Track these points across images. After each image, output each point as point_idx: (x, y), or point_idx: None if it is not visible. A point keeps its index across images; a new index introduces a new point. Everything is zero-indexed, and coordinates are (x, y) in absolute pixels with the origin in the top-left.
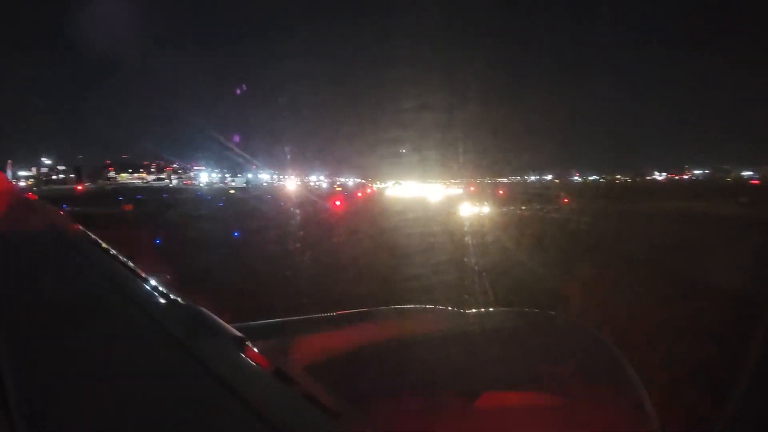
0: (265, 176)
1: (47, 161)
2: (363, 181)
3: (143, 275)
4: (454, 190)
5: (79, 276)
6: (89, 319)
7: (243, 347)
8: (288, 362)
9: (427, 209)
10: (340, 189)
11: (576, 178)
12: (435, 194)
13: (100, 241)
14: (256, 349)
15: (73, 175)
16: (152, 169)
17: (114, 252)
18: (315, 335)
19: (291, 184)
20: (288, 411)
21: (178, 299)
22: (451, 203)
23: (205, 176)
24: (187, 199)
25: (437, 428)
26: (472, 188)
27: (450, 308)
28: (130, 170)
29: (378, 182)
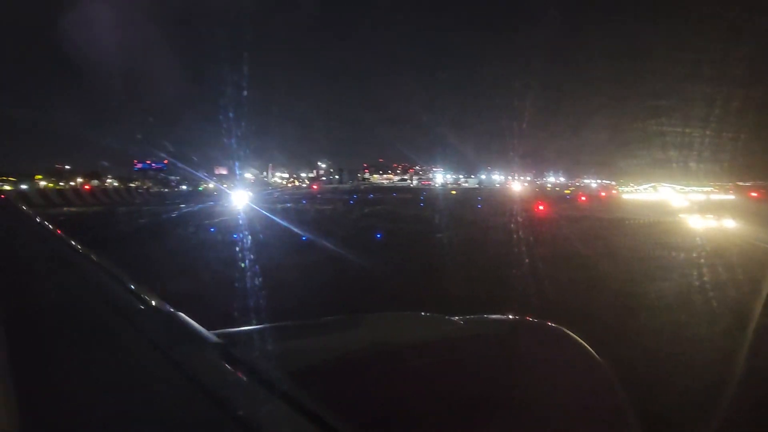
0: (497, 177)
1: (322, 164)
2: (609, 183)
3: (123, 281)
4: (724, 196)
5: (59, 282)
6: (66, 326)
7: (223, 354)
8: (269, 369)
9: (641, 218)
10: (569, 192)
11: None
12: (682, 200)
13: (80, 248)
14: (236, 356)
15: (337, 176)
16: (398, 171)
17: (95, 258)
18: (297, 342)
19: (517, 185)
20: (271, 419)
21: (158, 305)
22: (686, 213)
23: (440, 177)
24: (402, 199)
25: None
26: (753, 194)
27: (435, 314)
28: (380, 171)
29: (631, 185)
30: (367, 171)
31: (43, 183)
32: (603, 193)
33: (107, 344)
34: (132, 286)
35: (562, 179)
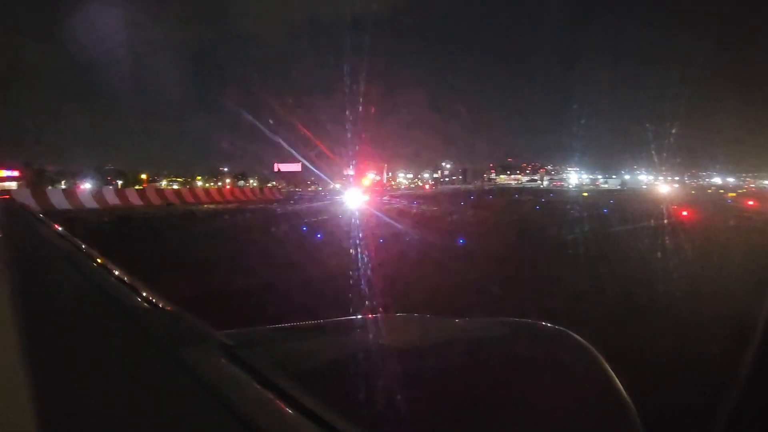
0: (644, 177)
1: (447, 165)
2: None
3: (130, 282)
4: None
5: (65, 282)
6: (74, 326)
7: (231, 355)
8: (276, 371)
9: None
10: (733, 195)
11: None
12: None
13: (89, 249)
14: (244, 358)
15: (460, 177)
16: (527, 171)
17: (102, 259)
18: (304, 343)
19: (664, 187)
20: (277, 421)
21: (164, 305)
22: None
23: (574, 177)
24: (520, 201)
25: None
26: None
27: (436, 316)
28: (508, 172)
29: None
30: (493, 171)
31: (199, 183)
32: None
33: (113, 344)
34: (138, 287)
35: (730, 180)
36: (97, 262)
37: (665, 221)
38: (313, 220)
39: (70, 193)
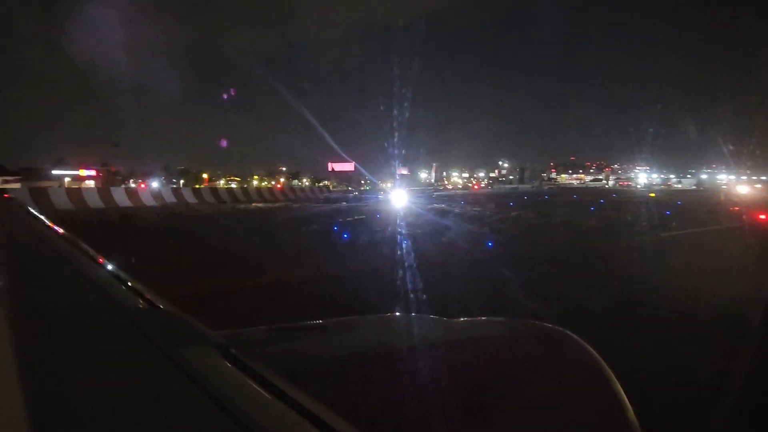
0: (724, 177)
1: (505, 164)
2: None
3: (126, 281)
4: None
5: (62, 282)
6: (69, 325)
7: (228, 355)
8: (273, 371)
9: None
10: None
11: None
12: None
13: (86, 248)
14: (241, 358)
15: (517, 176)
16: (591, 170)
17: (99, 258)
18: (301, 344)
19: (743, 187)
20: (274, 422)
21: (160, 305)
22: None
23: (643, 177)
24: (575, 202)
25: None
26: None
27: (434, 316)
28: (570, 171)
29: None
30: (554, 170)
31: (255, 182)
32: None
33: (109, 344)
34: (135, 286)
35: None
36: (93, 262)
37: (733, 225)
38: (349, 219)
39: (131, 192)
